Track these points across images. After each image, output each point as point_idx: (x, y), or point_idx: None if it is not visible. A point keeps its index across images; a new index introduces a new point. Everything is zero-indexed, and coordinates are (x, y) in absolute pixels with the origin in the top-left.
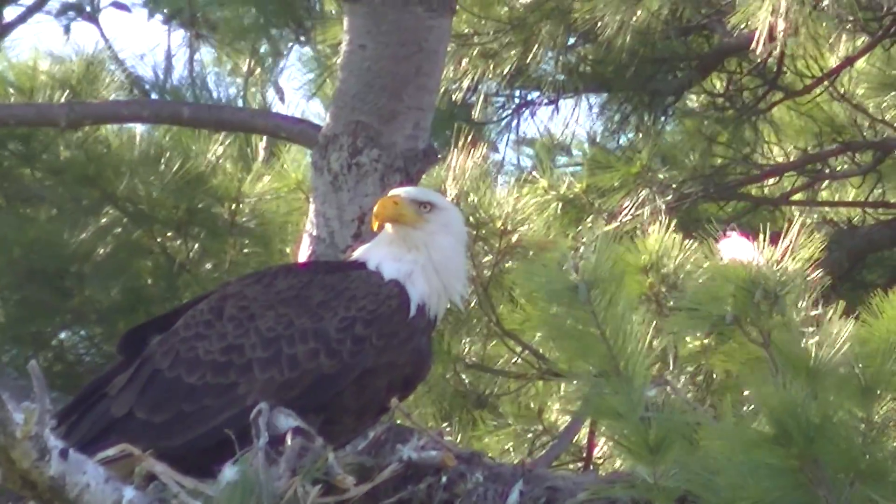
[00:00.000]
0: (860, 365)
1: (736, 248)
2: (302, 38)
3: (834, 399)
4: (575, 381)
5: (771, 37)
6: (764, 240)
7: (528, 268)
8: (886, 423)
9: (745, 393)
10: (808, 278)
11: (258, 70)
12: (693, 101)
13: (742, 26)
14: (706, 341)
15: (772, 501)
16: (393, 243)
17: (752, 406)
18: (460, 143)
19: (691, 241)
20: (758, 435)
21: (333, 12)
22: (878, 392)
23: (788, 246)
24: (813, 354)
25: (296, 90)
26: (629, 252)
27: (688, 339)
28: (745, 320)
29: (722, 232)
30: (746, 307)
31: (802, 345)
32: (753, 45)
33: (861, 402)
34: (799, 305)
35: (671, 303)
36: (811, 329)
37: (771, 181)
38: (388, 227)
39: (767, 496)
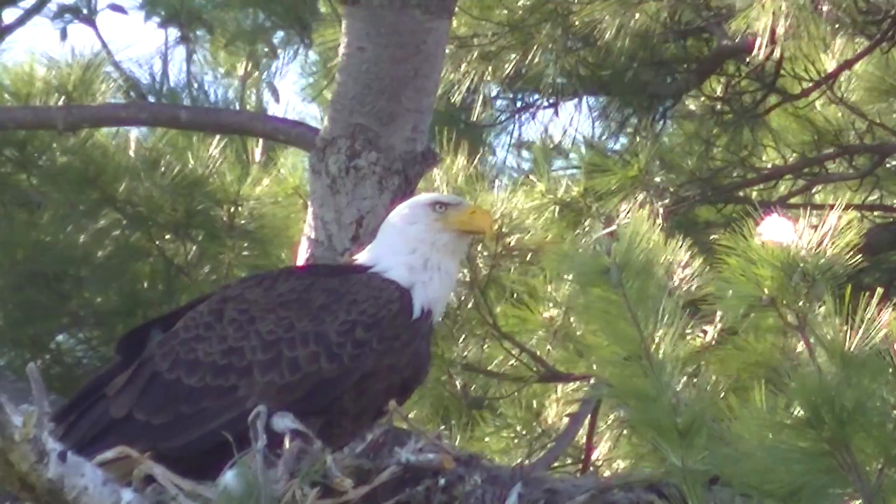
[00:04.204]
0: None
1: (777, 230)
2: (306, 41)
3: (868, 385)
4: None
5: (771, 40)
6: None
7: (562, 249)
8: None
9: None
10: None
11: (255, 72)
12: (691, 104)
13: (743, 30)
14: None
15: (801, 485)
16: (444, 251)
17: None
18: (453, 145)
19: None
20: (789, 418)
21: (331, 14)
22: None
23: (828, 231)
24: (848, 340)
25: (300, 90)
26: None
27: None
28: (781, 303)
29: (765, 211)
30: (783, 290)
31: (838, 329)
32: (755, 50)
33: (894, 390)
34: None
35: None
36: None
37: (768, 184)
38: (448, 235)
39: (797, 480)
